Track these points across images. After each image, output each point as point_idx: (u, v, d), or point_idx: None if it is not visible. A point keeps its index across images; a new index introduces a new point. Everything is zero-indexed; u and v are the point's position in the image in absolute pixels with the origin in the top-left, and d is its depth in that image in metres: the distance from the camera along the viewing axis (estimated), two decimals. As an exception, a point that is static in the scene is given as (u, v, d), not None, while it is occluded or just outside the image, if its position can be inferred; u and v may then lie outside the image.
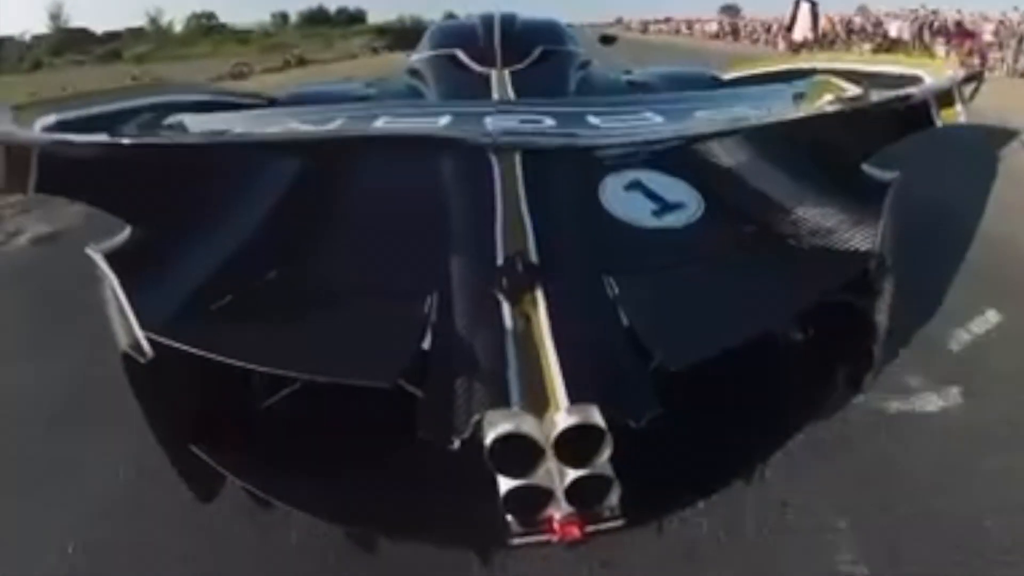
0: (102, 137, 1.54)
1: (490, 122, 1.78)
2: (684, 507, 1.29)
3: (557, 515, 1.06)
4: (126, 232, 1.35)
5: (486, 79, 2.50)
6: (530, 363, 1.03)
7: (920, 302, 2.15)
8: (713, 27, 27.91)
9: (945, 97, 1.47)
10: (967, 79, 1.55)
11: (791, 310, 1.29)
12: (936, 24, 12.99)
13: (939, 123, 1.45)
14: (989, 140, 4.34)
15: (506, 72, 2.52)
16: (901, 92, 1.51)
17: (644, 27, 42.66)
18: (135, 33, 41.70)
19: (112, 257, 1.25)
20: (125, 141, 1.55)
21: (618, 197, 1.50)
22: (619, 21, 50.42)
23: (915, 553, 1.33)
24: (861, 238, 1.32)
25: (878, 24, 15.02)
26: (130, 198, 1.42)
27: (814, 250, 1.34)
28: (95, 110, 1.83)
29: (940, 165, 3.37)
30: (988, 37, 10.89)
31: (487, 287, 1.15)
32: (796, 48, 13.27)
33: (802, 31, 13.68)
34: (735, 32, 23.98)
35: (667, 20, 45.05)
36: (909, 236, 1.49)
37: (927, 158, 2.37)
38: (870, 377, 1.40)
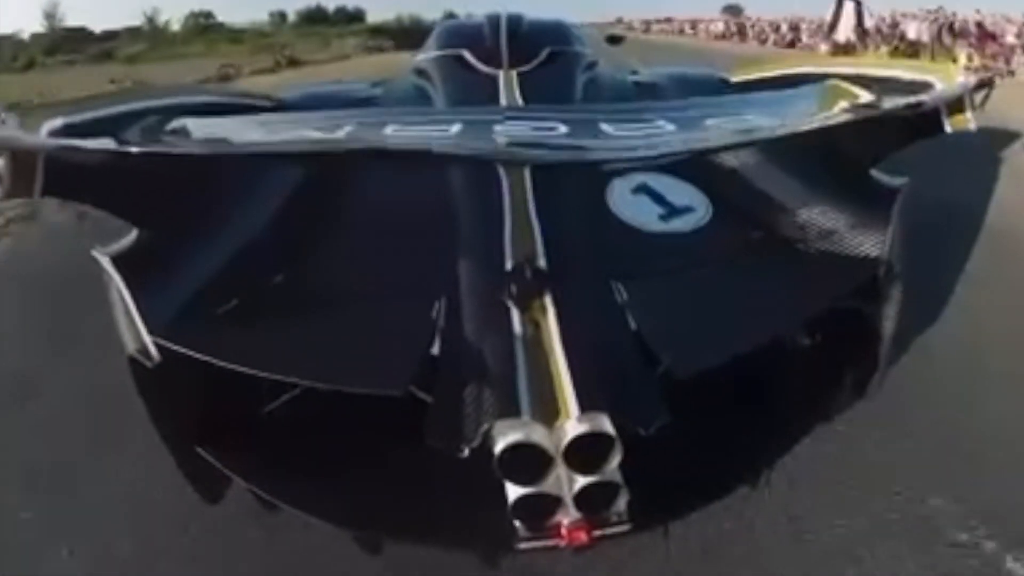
0: (108, 142, 1.54)
1: (501, 130, 1.75)
2: (690, 512, 1.28)
3: (565, 521, 1.05)
4: (132, 235, 1.35)
5: (493, 80, 2.45)
6: (539, 370, 1.02)
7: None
8: (719, 27, 27.29)
9: (956, 104, 1.47)
10: (978, 86, 1.54)
11: (799, 316, 1.29)
12: (956, 26, 12.44)
13: (949, 130, 1.46)
14: (992, 142, 4.31)
15: (513, 73, 2.48)
16: (912, 99, 1.50)
17: (646, 27, 42.11)
18: (132, 32, 41.53)
19: (118, 260, 1.25)
20: (131, 149, 1.54)
21: (626, 201, 1.49)
22: (619, 21, 49.95)
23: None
24: (870, 244, 1.31)
25: (895, 25, 14.42)
26: (136, 202, 1.42)
27: (822, 256, 1.33)
28: (101, 113, 1.82)
29: (942, 166, 3.33)
30: (1011, 39, 10.37)
31: (496, 293, 1.14)
32: (839, 51, 12.38)
33: (845, 32, 12.55)
34: (741, 32, 23.41)
35: (667, 20, 44.64)
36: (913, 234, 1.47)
37: (929, 159, 2.28)
38: (876, 383, 1.37)
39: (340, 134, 1.80)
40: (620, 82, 2.87)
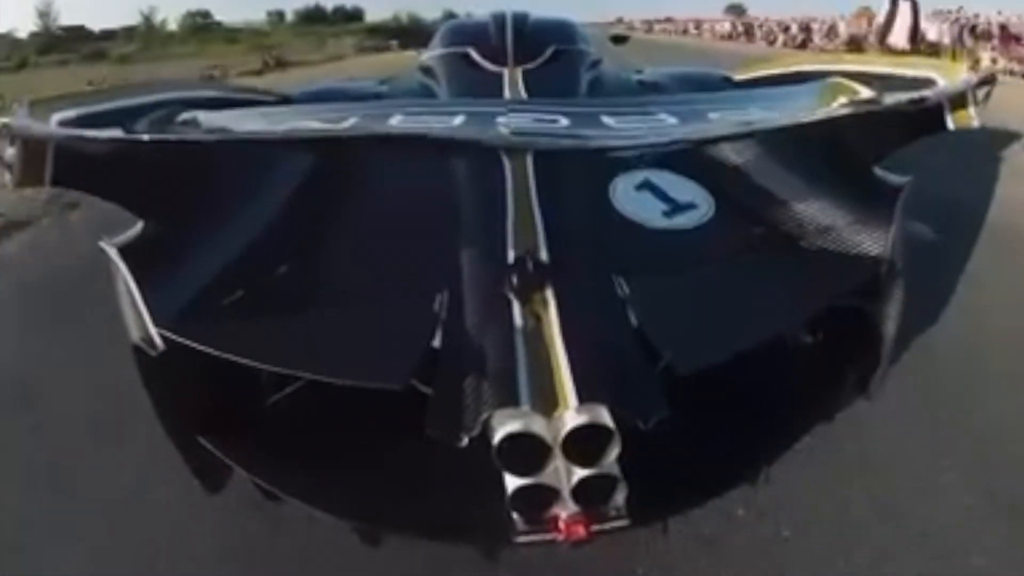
0: (116, 132, 1.56)
1: (504, 121, 1.76)
2: (689, 507, 1.27)
3: (563, 514, 1.05)
4: (139, 226, 1.36)
5: (498, 78, 2.47)
6: (540, 362, 1.02)
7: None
8: (725, 27, 26.63)
9: (958, 101, 1.48)
10: (981, 83, 1.53)
11: (801, 314, 1.28)
12: (979, 27, 11.81)
13: (952, 126, 1.48)
14: (992, 142, 4.35)
15: (518, 71, 2.49)
16: (915, 95, 1.50)
17: (648, 27, 41.50)
18: (128, 32, 41.41)
19: (125, 251, 1.26)
20: (139, 137, 1.57)
21: (629, 197, 1.48)
22: (620, 21, 49.51)
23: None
24: (872, 242, 1.30)
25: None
26: (143, 193, 1.44)
27: (825, 253, 1.34)
28: (111, 105, 1.83)
29: (943, 166, 3.34)
30: (1036, 41, 9.79)
31: (497, 286, 1.14)
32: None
33: (901, 36, 10.87)
34: (748, 32, 22.75)
35: (668, 20, 44.16)
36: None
37: (928, 159, 2.31)
38: (878, 381, 1.37)
39: (345, 125, 1.79)
40: (624, 80, 2.85)
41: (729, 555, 1.37)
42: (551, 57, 2.65)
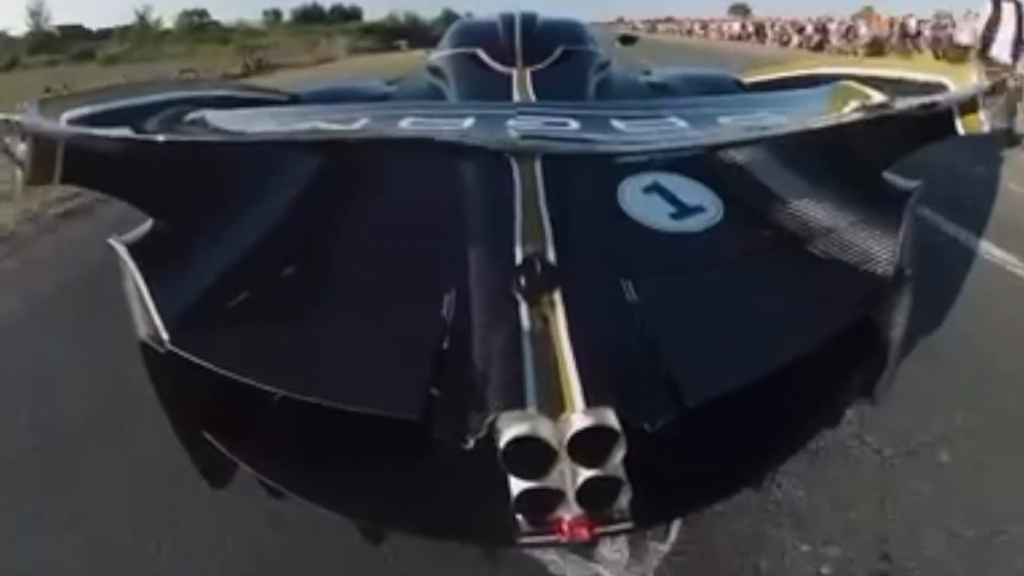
0: (126, 131, 1.55)
1: (513, 124, 1.76)
2: (693, 511, 1.26)
3: (567, 516, 1.05)
4: (148, 224, 1.38)
5: (507, 78, 2.45)
6: (547, 364, 1.02)
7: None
8: (734, 28, 25.69)
9: (969, 105, 1.46)
10: (991, 88, 1.52)
11: (814, 335, 1.24)
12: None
13: (962, 131, 1.46)
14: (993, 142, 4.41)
15: (527, 72, 2.48)
16: (926, 100, 1.49)
17: (652, 27, 40.62)
18: (124, 31, 41.01)
19: (134, 248, 1.26)
20: (148, 137, 1.56)
21: (637, 199, 1.48)
22: (620, 21, 48.75)
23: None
24: (881, 247, 1.30)
25: (940, 27, 12.87)
26: (152, 191, 1.45)
27: (833, 258, 1.33)
28: (121, 103, 1.82)
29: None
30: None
31: (505, 287, 1.14)
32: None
33: (1005, 45, 8.62)
34: (759, 33, 21.83)
35: (668, 20, 43.49)
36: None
37: (930, 159, 2.07)
38: (884, 387, 1.36)
39: (354, 126, 1.78)
40: (633, 81, 2.84)
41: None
42: (560, 58, 2.63)
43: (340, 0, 48.10)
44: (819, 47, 15.88)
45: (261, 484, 1.23)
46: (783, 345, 1.19)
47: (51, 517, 1.58)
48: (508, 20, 2.88)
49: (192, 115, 1.85)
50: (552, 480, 0.99)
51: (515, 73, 2.48)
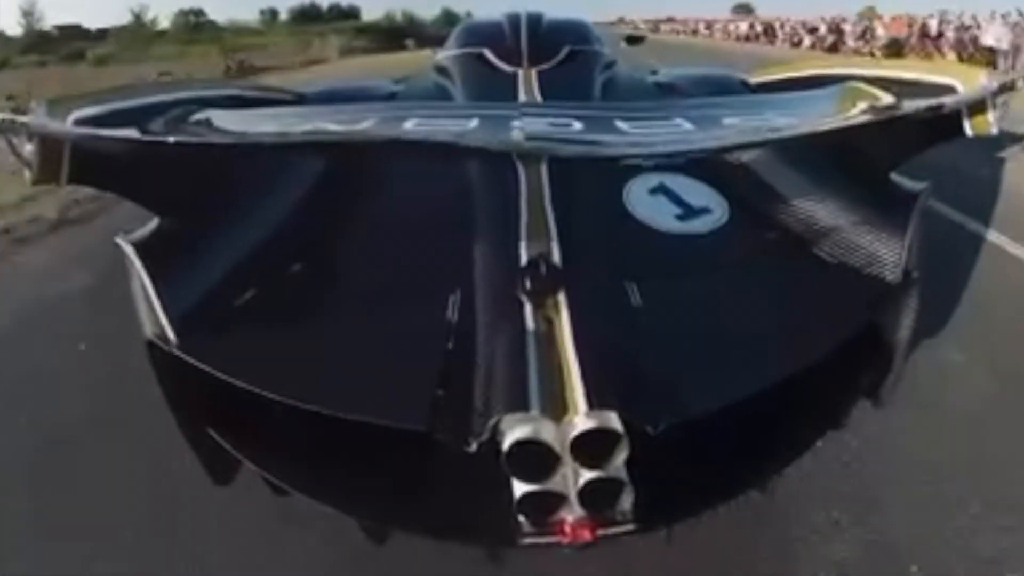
0: (132, 132, 1.56)
1: (518, 125, 1.75)
2: (696, 514, 1.24)
3: (569, 518, 1.05)
4: (153, 223, 1.38)
5: (513, 78, 2.45)
6: (551, 366, 1.01)
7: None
8: (741, 28, 24.95)
9: (977, 107, 1.47)
10: (1000, 89, 1.51)
11: (813, 326, 1.24)
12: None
13: (970, 133, 1.47)
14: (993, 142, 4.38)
15: (533, 72, 2.48)
16: (934, 101, 1.48)
17: (655, 27, 39.87)
18: (119, 31, 40.72)
19: (140, 247, 1.26)
20: (154, 138, 1.57)
21: (643, 201, 1.47)
22: (621, 20, 48.11)
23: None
24: (889, 249, 1.29)
25: (963, 28, 12.17)
26: (158, 191, 1.46)
27: (840, 260, 1.32)
28: (128, 103, 1.83)
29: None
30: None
31: (510, 289, 1.13)
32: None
33: None
34: (767, 33, 21.11)
35: (669, 20, 43.08)
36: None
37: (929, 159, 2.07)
38: (890, 390, 1.34)
39: (360, 127, 1.78)
40: (639, 82, 2.83)
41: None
42: (566, 58, 2.64)
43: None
44: (833, 48, 15.17)
45: (266, 482, 1.23)
46: (788, 348, 1.18)
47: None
48: (514, 20, 2.87)
49: (199, 115, 1.86)
50: (555, 483, 0.99)
51: (521, 73, 2.47)
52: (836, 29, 16.14)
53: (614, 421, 0.93)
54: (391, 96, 2.65)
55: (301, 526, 1.48)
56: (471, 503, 1.11)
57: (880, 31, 14.05)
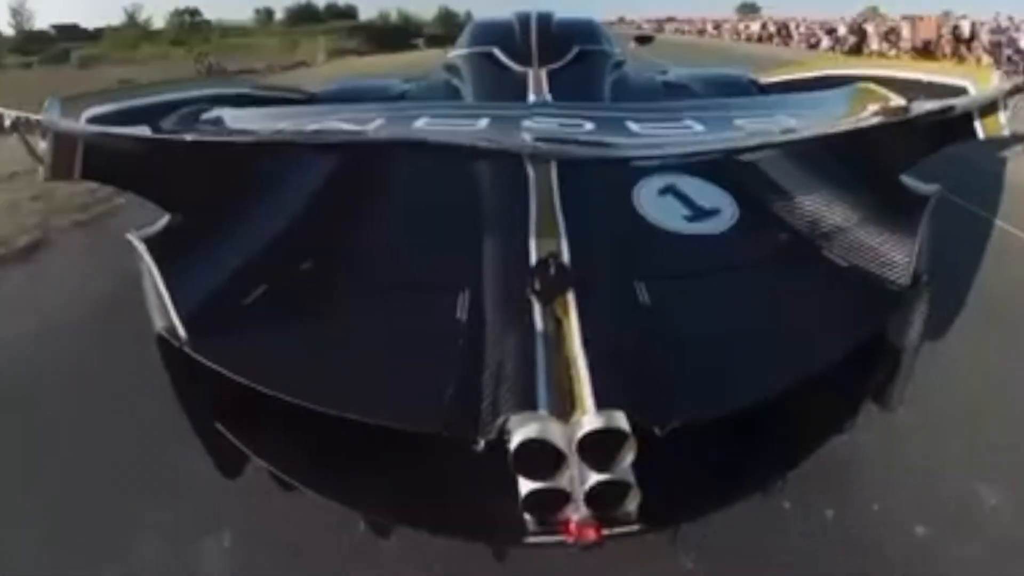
0: (144, 130, 1.59)
1: (529, 126, 1.74)
2: (702, 515, 1.25)
3: (575, 517, 1.05)
4: (165, 220, 1.39)
5: (523, 78, 2.46)
6: (559, 366, 1.02)
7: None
8: (752, 28, 24.03)
9: (989, 108, 1.45)
10: (1013, 90, 1.50)
11: (823, 328, 1.23)
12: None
13: (982, 135, 1.46)
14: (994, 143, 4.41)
15: (543, 71, 2.49)
16: (945, 103, 1.47)
17: (659, 26, 38.95)
18: (114, 31, 40.21)
19: (151, 243, 1.28)
20: (166, 136, 1.59)
21: (652, 201, 1.47)
22: (621, 20, 47.25)
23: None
24: (898, 252, 1.28)
25: (1000, 31, 11.28)
26: (169, 188, 1.47)
27: (849, 262, 1.31)
28: (141, 101, 1.83)
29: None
30: None
31: (519, 288, 1.14)
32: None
33: None
34: (781, 34, 20.20)
35: (670, 20, 42.45)
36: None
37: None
38: (898, 393, 1.33)
39: (371, 127, 1.79)
40: (649, 81, 2.83)
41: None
42: (576, 58, 2.64)
43: (336, -1, 46.64)
44: (856, 51, 14.26)
45: (273, 477, 1.23)
46: (797, 350, 1.17)
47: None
48: (524, 20, 2.88)
49: (210, 114, 1.87)
50: (561, 482, 0.99)
51: (531, 72, 2.49)
52: (858, 30, 15.21)
53: (622, 421, 0.93)
54: (402, 95, 2.67)
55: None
56: (477, 501, 1.11)
57: (905, 32, 13.15)
